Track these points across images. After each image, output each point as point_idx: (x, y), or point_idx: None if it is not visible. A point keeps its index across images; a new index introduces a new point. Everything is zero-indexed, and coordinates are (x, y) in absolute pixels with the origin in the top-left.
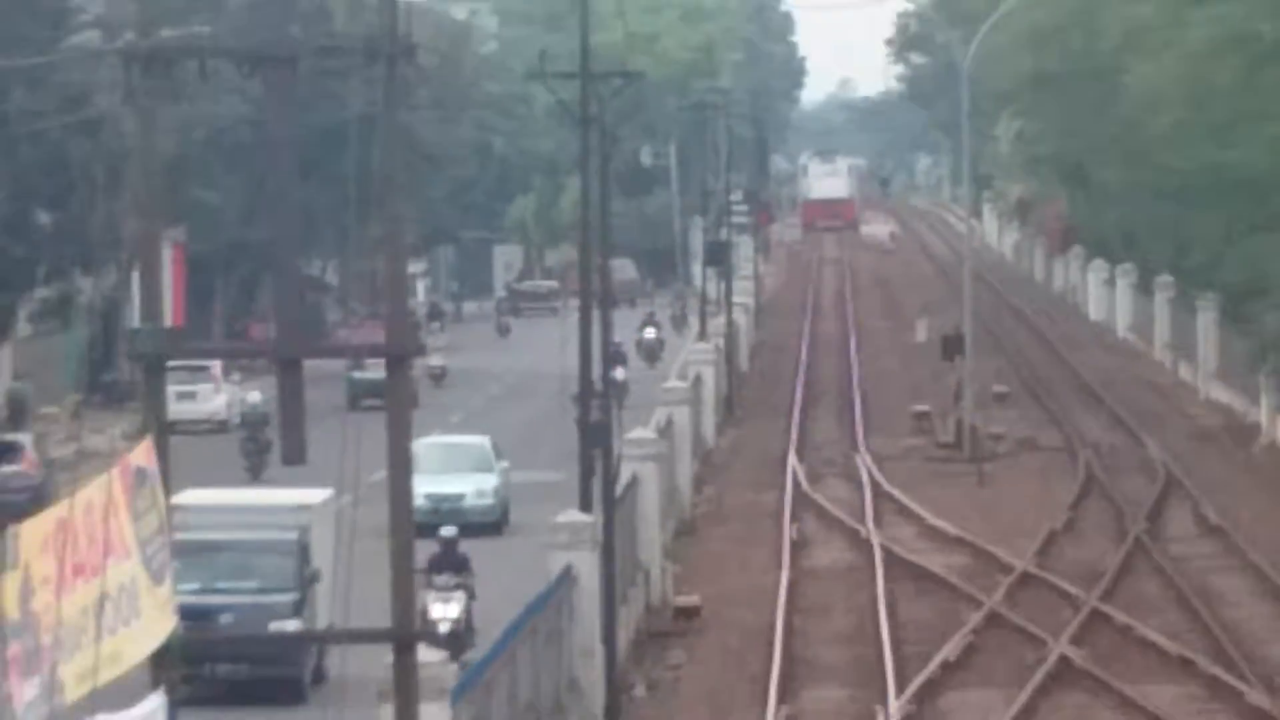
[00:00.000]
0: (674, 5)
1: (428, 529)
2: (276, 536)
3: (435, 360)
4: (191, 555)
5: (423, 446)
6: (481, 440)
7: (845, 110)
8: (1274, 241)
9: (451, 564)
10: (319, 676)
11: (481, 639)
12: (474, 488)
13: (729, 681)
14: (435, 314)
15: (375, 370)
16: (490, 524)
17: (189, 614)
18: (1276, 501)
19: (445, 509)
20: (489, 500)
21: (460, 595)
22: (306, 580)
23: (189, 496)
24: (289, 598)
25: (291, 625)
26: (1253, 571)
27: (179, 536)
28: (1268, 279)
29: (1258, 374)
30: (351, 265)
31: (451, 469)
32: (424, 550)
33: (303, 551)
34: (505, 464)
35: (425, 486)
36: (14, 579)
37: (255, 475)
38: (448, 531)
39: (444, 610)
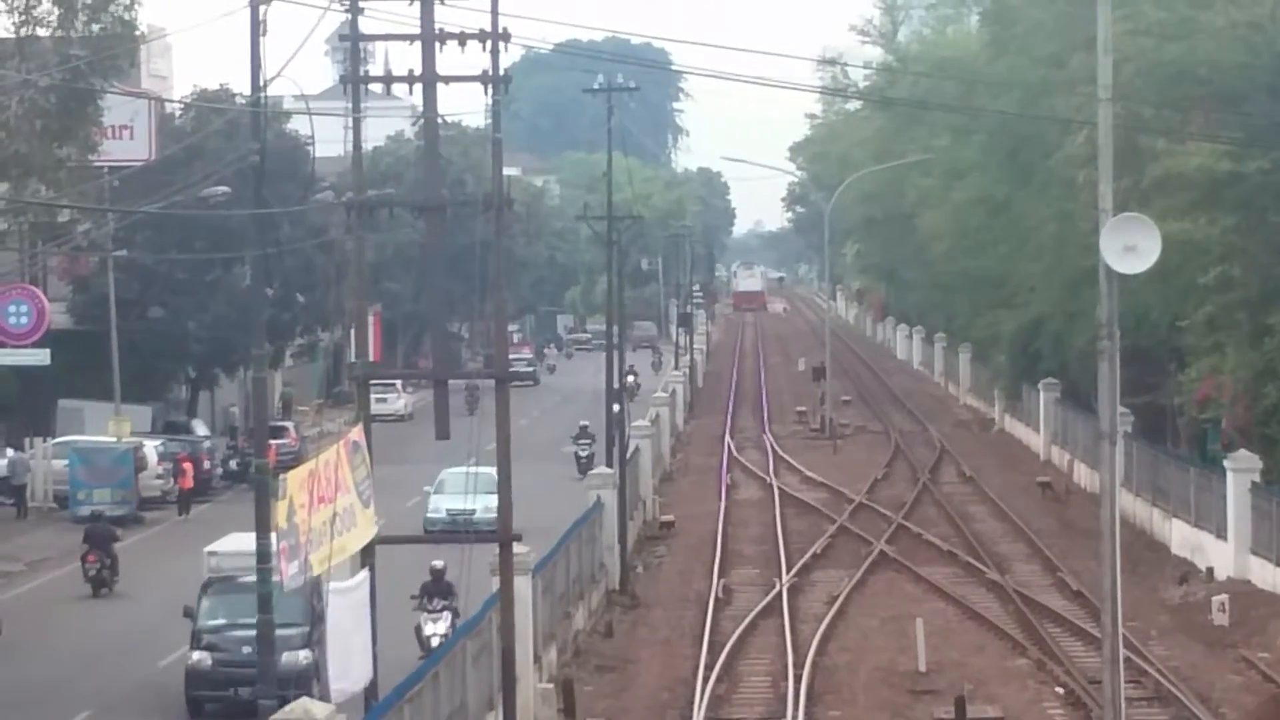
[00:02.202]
0: (659, 178)
1: (448, 534)
2: None
3: (551, 360)
4: (219, 594)
5: (447, 474)
6: (491, 470)
7: (758, 238)
8: (1002, 315)
9: (440, 590)
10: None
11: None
12: (483, 505)
13: (691, 564)
14: (560, 345)
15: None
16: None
17: (213, 646)
18: (1003, 463)
19: (461, 521)
20: (494, 515)
21: (447, 615)
22: (317, 616)
23: (223, 543)
24: (300, 631)
25: (303, 655)
26: (989, 503)
27: (210, 577)
28: (999, 336)
29: (992, 390)
30: (476, 326)
31: (467, 491)
32: (420, 577)
33: (314, 590)
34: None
35: (447, 504)
36: (284, 505)
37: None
38: (437, 563)
39: (434, 627)
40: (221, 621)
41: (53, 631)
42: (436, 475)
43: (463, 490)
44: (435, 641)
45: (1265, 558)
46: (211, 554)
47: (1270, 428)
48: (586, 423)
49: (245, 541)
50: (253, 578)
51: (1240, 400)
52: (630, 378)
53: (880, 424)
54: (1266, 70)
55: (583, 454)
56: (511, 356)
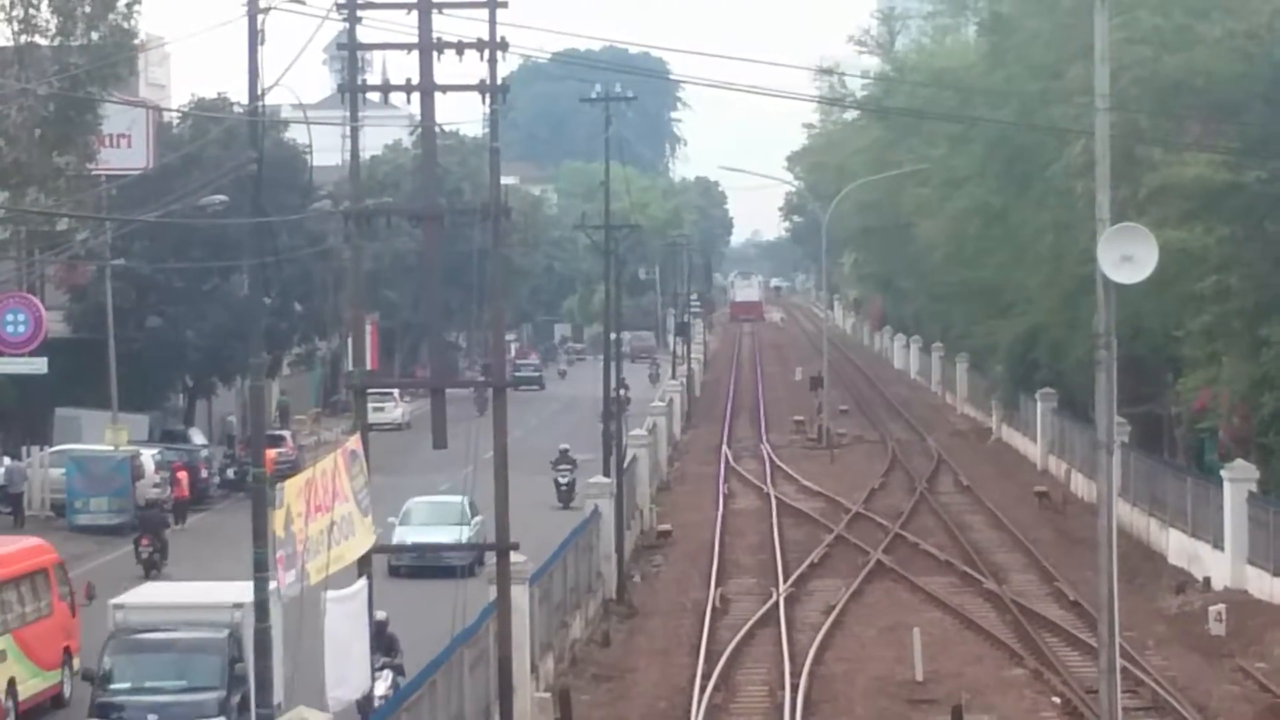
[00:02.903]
0: (656, 187)
1: (415, 568)
2: (206, 636)
3: (562, 365)
4: (125, 653)
5: (413, 504)
6: (460, 500)
7: (756, 248)
8: (999, 325)
9: (382, 645)
10: None
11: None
12: (450, 538)
13: (688, 573)
14: (568, 350)
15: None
16: (463, 568)
17: (117, 712)
18: (999, 472)
19: (428, 556)
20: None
21: (388, 674)
22: (236, 678)
23: (133, 595)
24: (213, 696)
25: None
26: (987, 512)
27: (116, 634)
28: (996, 346)
29: (990, 399)
30: (474, 335)
31: (434, 522)
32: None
33: (232, 650)
34: (480, 519)
35: (412, 536)
36: (281, 513)
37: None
38: (380, 614)
39: (376, 688)
40: (126, 685)
41: None
42: (418, 493)
43: (430, 521)
44: (377, 702)
45: (1262, 568)
46: (118, 607)
47: (1267, 438)
48: (566, 446)
49: (158, 593)
50: (165, 634)
51: (1237, 410)
52: (621, 390)
53: (877, 433)
54: (1263, 80)
55: (563, 480)
56: (519, 362)
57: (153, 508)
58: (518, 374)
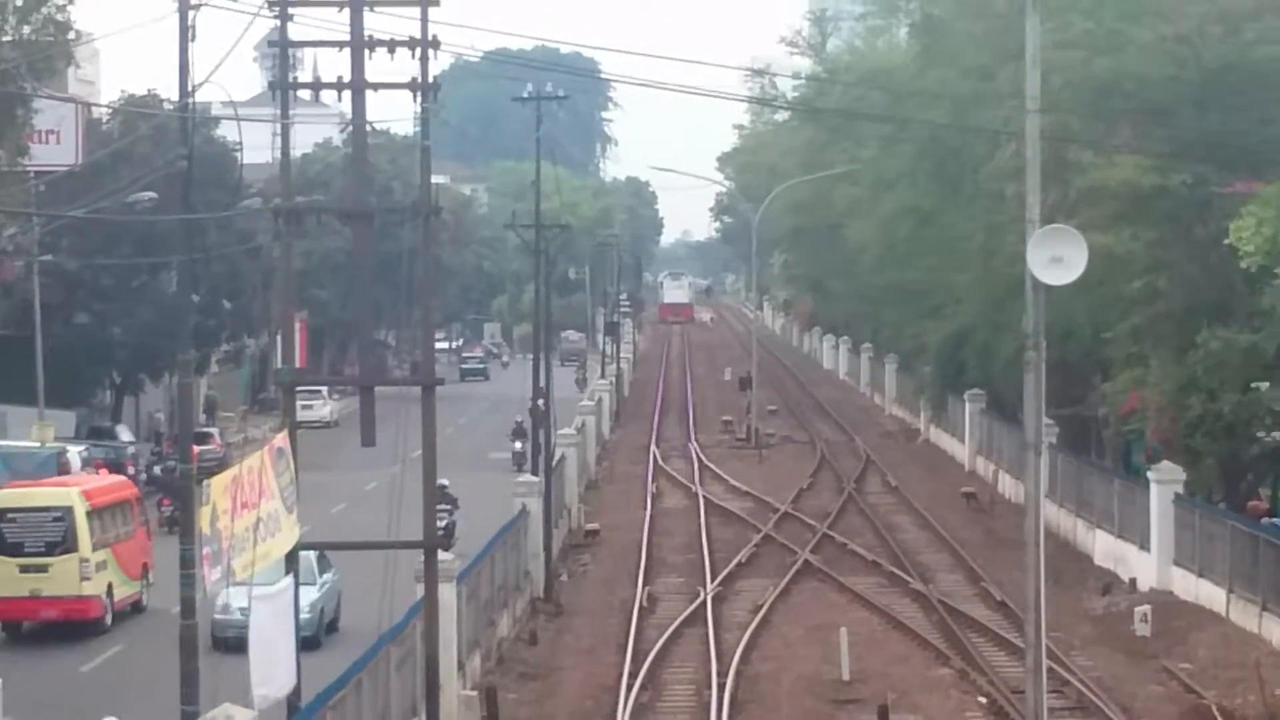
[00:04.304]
0: (587, 187)
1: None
2: None
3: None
4: None
5: None
6: (306, 553)
7: (686, 248)
8: (928, 326)
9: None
10: None
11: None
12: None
13: (616, 573)
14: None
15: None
16: (305, 639)
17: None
18: (928, 473)
19: None
20: (304, 615)
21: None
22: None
23: None
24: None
25: None
26: (914, 512)
27: None
28: (925, 347)
29: (918, 400)
30: (403, 333)
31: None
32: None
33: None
34: (331, 575)
35: (241, 600)
36: (207, 510)
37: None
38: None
39: (439, 522)
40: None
41: None
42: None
43: (262, 580)
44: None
45: (1187, 569)
46: None
47: (1194, 440)
48: (445, 482)
49: None
50: None
51: (1164, 412)
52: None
53: (806, 434)
54: (1193, 84)
55: (439, 525)
56: (465, 355)
57: (170, 473)
58: (464, 366)
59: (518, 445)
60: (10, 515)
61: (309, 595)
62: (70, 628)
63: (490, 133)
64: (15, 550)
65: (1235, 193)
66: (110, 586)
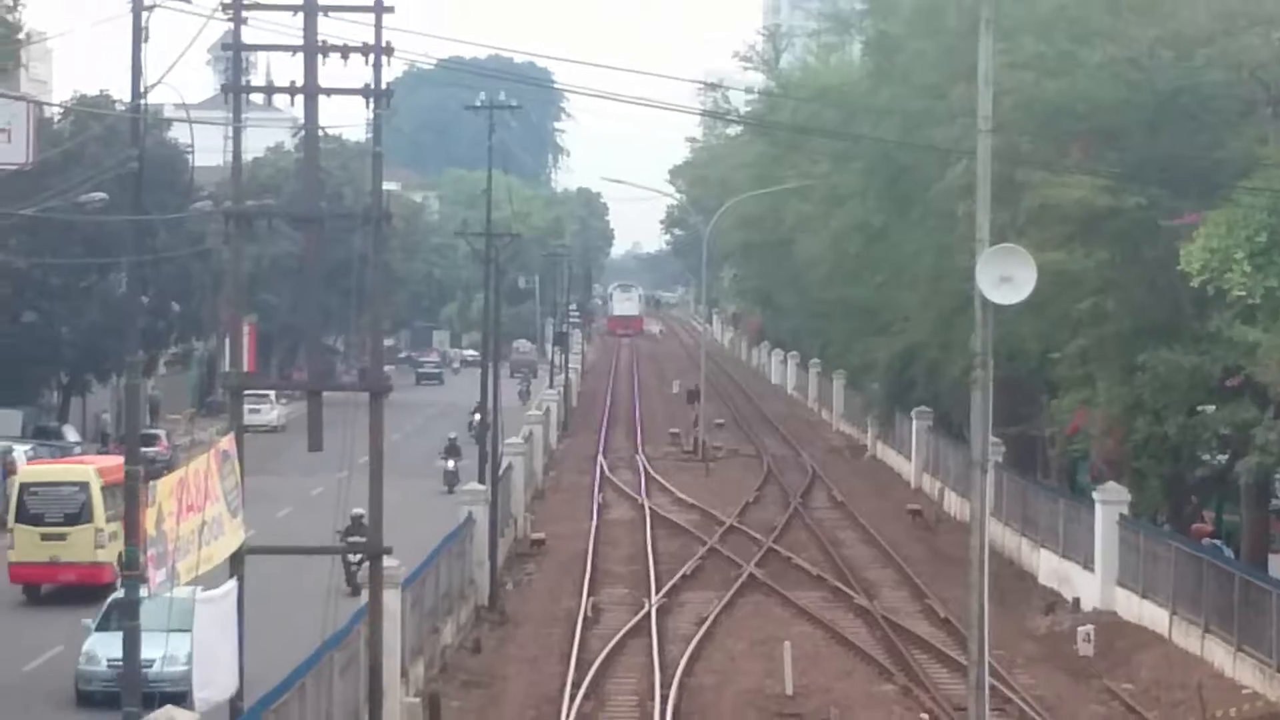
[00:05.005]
0: (538, 197)
1: (114, 693)
2: None
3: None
4: None
5: (117, 600)
6: (189, 592)
7: (636, 259)
8: (877, 343)
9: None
10: None
11: None
12: (164, 653)
13: (561, 582)
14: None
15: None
16: (180, 693)
17: None
18: (873, 490)
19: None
20: (180, 667)
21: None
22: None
23: None
24: None
25: None
26: (860, 529)
27: None
28: (873, 364)
29: (865, 417)
30: (352, 339)
31: (147, 627)
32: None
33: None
34: None
35: (110, 649)
36: (153, 512)
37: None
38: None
39: (353, 556)
40: None
41: None
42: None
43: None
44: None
45: (1131, 589)
46: None
47: (1140, 461)
48: (360, 511)
49: None
50: None
51: (1111, 433)
52: (478, 415)
53: (753, 448)
54: (1144, 107)
55: (353, 558)
56: (421, 359)
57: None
58: (420, 370)
59: (450, 464)
60: (33, 489)
61: (186, 645)
62: (84, 591)
63: (443, 140)
64: (37, 520)
65: (1184, 224)
66: (120, 555)
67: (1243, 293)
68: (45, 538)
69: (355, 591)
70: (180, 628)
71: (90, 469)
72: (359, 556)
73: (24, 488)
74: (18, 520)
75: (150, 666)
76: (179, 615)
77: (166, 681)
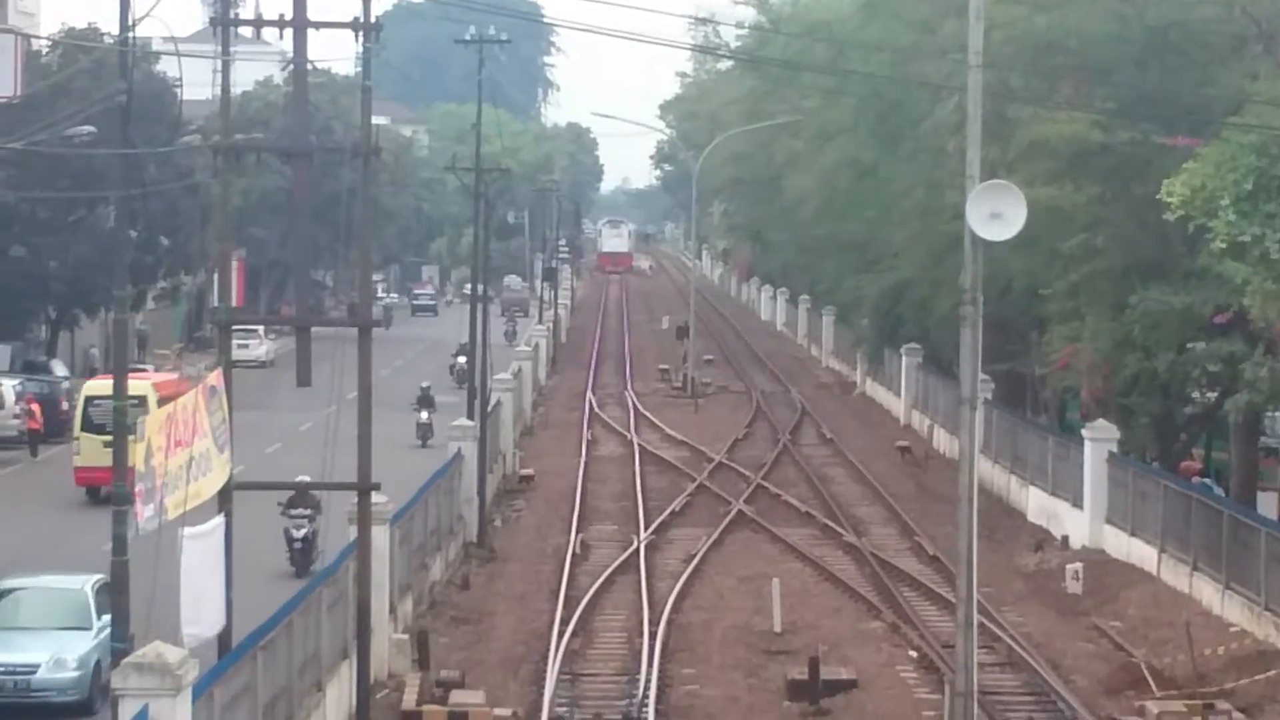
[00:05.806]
0: (528, 132)
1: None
2: None
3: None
4: None
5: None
6: (81, 584)
7: (626, 195)
8: (866, 279)
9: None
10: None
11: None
12: (47, 655)
13: (550, 519)
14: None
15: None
16: (73, 704)
17: None
18: (863, 426)
19: (9, 688)
20: (71, 673)
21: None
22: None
23: None
24: None
25: None
26: (849, 465)
27: None
28: (862, 300)
29: (855, 353)
30: (341, 273)
31: (29, 625)
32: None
33: None
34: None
35: (13, 654)
36: (141, 447)
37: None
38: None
39: (298, 532)
40: None
41: None
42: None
43: (20, 624)
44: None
45: (1120, 527)
46: None
47: (1129, 398)
48: (305, 479)
49: None
50: None
51: (1100, 370)
52: (463, 359)
53: (742, 384)
54: (1135, 43)
55: (296, 534)
56: (417, 291)
57: None
58: (416, 302)
59: (423, 415)
60: (97, 401)
61: (79, 646)
62: None
63: (432, 75)
64: (100, 429)
65: (1178, 146)
66: None
67: (1224, 244)
68: (107, 445)
69: (301, 573)
70: (78, 626)
71: (148, 384)
72: (302, 532)
73: (88, 400)
74: (83, 429)
75: (33, 673)
76: (76, 612)
77: (53, 690)
